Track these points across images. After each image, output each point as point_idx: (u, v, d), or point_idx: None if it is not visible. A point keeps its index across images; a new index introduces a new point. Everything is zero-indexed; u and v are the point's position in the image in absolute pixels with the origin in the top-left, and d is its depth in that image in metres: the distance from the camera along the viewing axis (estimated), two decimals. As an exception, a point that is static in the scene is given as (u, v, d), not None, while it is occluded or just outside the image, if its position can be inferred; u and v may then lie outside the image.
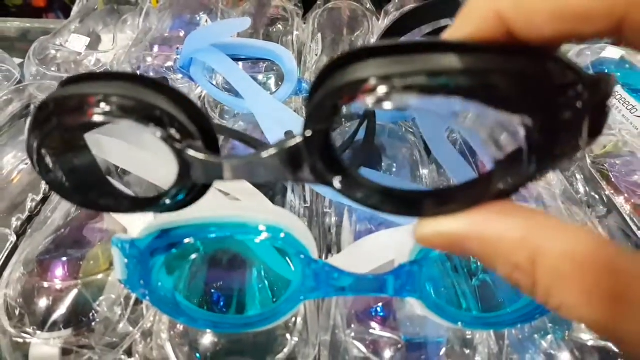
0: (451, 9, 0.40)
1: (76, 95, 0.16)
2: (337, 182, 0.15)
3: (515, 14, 0.13)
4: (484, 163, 0.41)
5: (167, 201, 0.18)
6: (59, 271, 0.33)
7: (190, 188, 0.18)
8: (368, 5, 0.73)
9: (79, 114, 0.16)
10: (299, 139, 0.15)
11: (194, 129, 0.16)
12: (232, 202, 0.26)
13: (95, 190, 0.19)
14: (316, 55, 0.62)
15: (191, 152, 0.16)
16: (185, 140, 0.16)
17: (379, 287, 0.25)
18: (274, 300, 0.27)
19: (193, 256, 0.25)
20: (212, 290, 0.31)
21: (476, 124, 0.15)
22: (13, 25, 0.79)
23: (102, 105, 0.16)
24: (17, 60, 0.65)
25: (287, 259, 0.26)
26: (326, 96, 0.14)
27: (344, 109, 0.14)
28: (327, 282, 0.25)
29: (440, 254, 0.25)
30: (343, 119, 0.49)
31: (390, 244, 0.28)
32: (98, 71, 0.23)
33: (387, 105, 0.13)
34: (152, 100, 0.16)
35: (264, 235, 0.24)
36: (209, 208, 0.25)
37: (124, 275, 0.25)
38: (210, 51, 0.45)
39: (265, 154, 0.16)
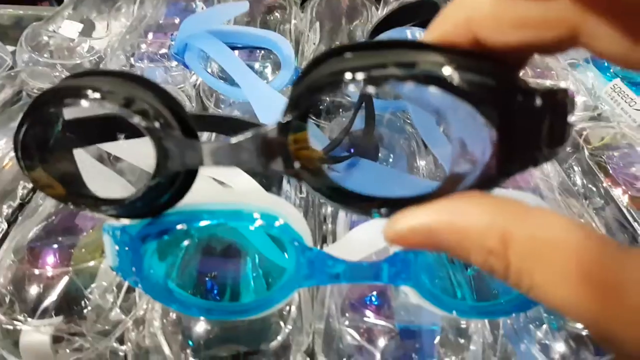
0: (431, 11, 0.40)
1: (63, 86, 0.18)
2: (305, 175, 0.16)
3: (482, 22, 0.14)
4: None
5: (151, 200, 0.19)
6: (50, 258, 0.33)
7: (171, 182, 0.19)
8: (367, -5, 0.73)
9: (64, 103, 0.17)
10: (272, 127, 0.15)
11: (171, 118, 0.17)
12: (226, 190, 0.25)
13: (75, 188, 0.20)
14: (314, 44, 0.61)
15: (169, 139, 0.17)
16: (164, 129, 0.17)
17: (374, 275, 0.25)
18: (268, 288, 0.27)
19: (185, 243, 0.25)
20: (205, 278, 0.30)
21: (441, 120, 0.17)
22: (6, 12, 0.78)
23: (89, 93, 0.17)
24: (10, 48, 0.64)
25: (282, 246, 0.26)
26: (301, 89, 0.15)
27: (319, 102, 0.14)
28: (322, 269, 0.25)
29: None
30: (329, 112, 0.49)
31: None
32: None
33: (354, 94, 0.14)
34: (133, 91, 0.17)
35: (259, 223, 0.24)
36: (202, 195, 0.25)
37: (115, 262, 0.25)
38: (205, 37, 0.45)
39: (241, 138, 0.16)
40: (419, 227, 0.15)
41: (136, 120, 0.17)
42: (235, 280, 0.30)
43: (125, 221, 0.30)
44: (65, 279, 0.32)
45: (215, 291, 0.30)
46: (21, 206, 0.41)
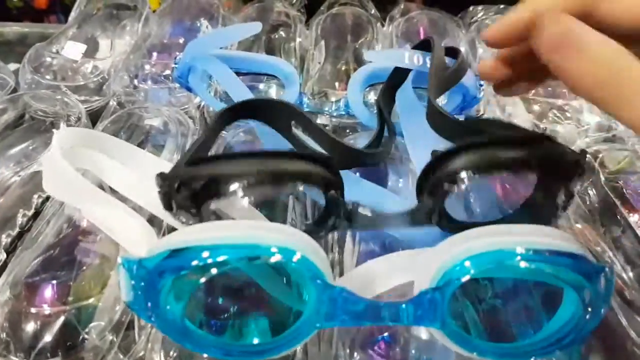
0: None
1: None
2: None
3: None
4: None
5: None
6: (47, 295, 0.32)
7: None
8: (372, 11, 0.72)
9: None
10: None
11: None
12: (243, 222, 0.24)
13: None
14: (319, 63, 0.60)
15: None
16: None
17: (399, 316, 0.24)
18: (287, 326, 0.26)
19: (203, 279, 0.24)
20: (222, 316, 0.29)
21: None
22: (12, 29, 0.78)
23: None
24: (15, 65, 0.64)
25: (301, 282, 0.25)
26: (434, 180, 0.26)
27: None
28: (344, 309, 0.23)
29: (461, 281, 0.23)
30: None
31: (408, 266, 0.27)
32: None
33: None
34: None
35: (277, 257, 0.23)
36: (218, 227, 0.23)
37: (130, 297, 0.24)
38: (210, 60, 0.44)
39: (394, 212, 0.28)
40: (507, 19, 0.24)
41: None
42: (253, 318, 0.29)
43: (140, 253, 0.29)
44: (63, 318, 0.30)
45: (233, 329, 0.29)
46: (20, 235, 0.40)
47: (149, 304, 0.23)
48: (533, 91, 0.55)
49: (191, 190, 0.26)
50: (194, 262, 0.23)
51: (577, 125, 0.51)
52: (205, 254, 0.22)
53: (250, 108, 0.37)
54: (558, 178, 0.27)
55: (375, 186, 0.37)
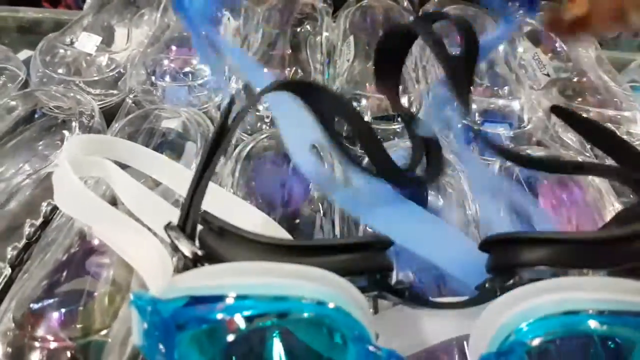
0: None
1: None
2: None
3: None
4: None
5: None
6: (53, 325, 0.29)
7: None
8: (405, 4, 0.67)
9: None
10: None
11: None
12: (278, 266, 0.21)
13: None
14: (348, 60, 0.56)
15: None
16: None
17: None
18: None
19: (230, 337, 0.21)
20: None
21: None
22: (26, 15, 0.76)
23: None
24: (28, 52, 0.61)
25: (339, 337, 0.22)
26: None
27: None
28: None
29: (528, 345, 0.20)
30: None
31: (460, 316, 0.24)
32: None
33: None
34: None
35: (309, 311, 0.19)
36: (248, 271, 0.20)
37: (142, 341, 0.21)
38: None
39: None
40: None
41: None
42: None
43: (156, 283, 0.25)
44: (69, 354, 0.28)
45: None
46: (27, 246, 0.38)
47: (163, 353, 0.20)
48: (579, 99, 0.51)
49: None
50: (219, 316, 0.19)
51: (630, 139, 0.47)
52: (230, 306, 0.19)
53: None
54: None
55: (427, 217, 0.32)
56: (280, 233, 0.35)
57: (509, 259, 0.22)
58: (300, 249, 0.21)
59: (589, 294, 0.20)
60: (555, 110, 0.32)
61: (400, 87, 0.51)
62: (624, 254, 0.21)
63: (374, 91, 0.51)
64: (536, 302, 0.20)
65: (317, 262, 0.20)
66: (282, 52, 0.57)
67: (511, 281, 0.22)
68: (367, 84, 0.52)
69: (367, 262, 0.22)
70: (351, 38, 0.59)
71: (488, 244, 0.23)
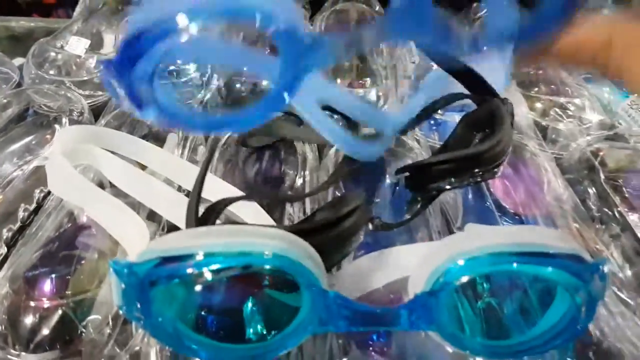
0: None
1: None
2: None
3: None
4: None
5: None
6: (46, 288, 0.32)
7: None
8: (377, 8, 0.71)
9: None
10: None
11: None
12: (235, 227, 0.24)
13: None
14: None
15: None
16: None
17: (394, 321, 0.24)
18: (281, 329, 0.26)
19: (197, 287, 0.24)
20: (215, 320, 0.29)
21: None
22: (19, 24, 0.79)
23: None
24: (21, 60, 0.64)
25: (296, 288, 0.25)
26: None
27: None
28: (339, 315, 0.24)
29: (456, 284, 0.24)
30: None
31: (403, 262, 0.27)
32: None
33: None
34: None
35: (271, 265, 0.23)
36: (212, 233, 0.24)
37: (121, 301, 0.24)
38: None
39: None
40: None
41: None
42: (246, 323, 0.29)
43: (129, 253, 0.29)
44: (61, 311, 0.31)
45: (226, 334, 0.29)
46: (22, 229, 0.41)
47: (140, 310, 0.23)
48: (536, 89, 0.55)
49: None
50: (187, 271, 0.22)
51: (579, 123, 0.51)
52: (197, 262, 0.22)
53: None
54: None
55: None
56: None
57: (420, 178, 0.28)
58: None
59: (508, 238, 0.24)
60: None
61: (369, 79, 0.55)
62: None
63: (346, 86, 0.55)
64: (465, 246, 0.24)
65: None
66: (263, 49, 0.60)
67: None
68: (337, 80, 0.56)
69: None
70: (325, 39, 0.63)
71: (404, 170, 0.31)
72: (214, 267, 0.22)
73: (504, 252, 0.23)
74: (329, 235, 0.25)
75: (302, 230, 0.24)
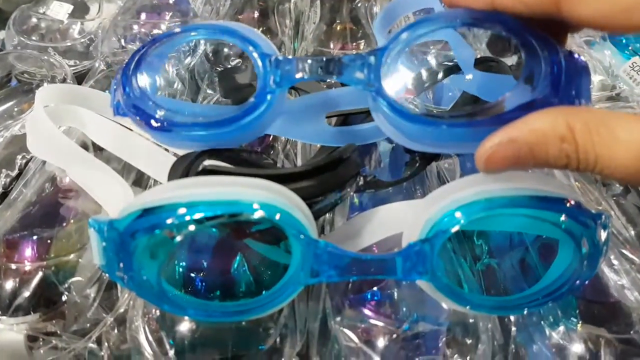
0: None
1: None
2: None
3: None
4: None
5: None
6: (27, 251, 0.31)
7: None
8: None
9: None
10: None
11: None
12: (222, 178, 0.23)
13: None
14: (314, 23, 0.58)
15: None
16: None
17: (387, 269, 0.22)
18: (270, 285, 0.25)
19: (179, 238, 0.22)
20: (202, 276, 0.28)
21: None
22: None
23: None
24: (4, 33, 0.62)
25: (285, 239, 0.24)
26: None
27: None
28: (330, 264, 0.22)
29: (450, 231, 0.22)
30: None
31: (397, 218, 0.26)
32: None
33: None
34: None
35: (259, 214, 0.21)
36: (196, 183, 0.22)
37: (102, 261, 0.23)
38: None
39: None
40: (504, 140, 0.19)
41: None
42: (234, 278, 0.28)
43: (112, 215, 0.27)
44: (43, 274, 0.29)
45: (213, 290, 0.28)
46: (3, 195, 0.39)
47: (122, 267, 0.22)
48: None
49: None
50: (168, 221, 0.21)
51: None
52: (180, 212, 0.21)
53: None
54: None
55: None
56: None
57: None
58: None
59: (508, 184, 0.23)
60: None
61: (364, 42, 0.54)
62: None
63: (340, 48, 0.53)
64: (459, 194, 0.23)
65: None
66: (251, 16, 0.58)
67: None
68: (331, 43, 0.54)
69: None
70: (317, 2, 0.61)
71: None
72: (197, 216, 0.21)
73: (501, 197, 0.22)
74: (319, 180, 0.24)
75: (292, 174, 0.23)
